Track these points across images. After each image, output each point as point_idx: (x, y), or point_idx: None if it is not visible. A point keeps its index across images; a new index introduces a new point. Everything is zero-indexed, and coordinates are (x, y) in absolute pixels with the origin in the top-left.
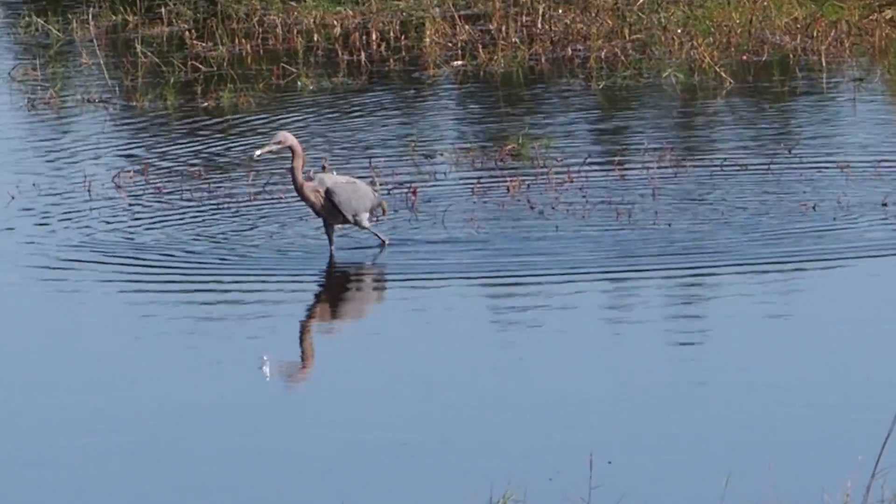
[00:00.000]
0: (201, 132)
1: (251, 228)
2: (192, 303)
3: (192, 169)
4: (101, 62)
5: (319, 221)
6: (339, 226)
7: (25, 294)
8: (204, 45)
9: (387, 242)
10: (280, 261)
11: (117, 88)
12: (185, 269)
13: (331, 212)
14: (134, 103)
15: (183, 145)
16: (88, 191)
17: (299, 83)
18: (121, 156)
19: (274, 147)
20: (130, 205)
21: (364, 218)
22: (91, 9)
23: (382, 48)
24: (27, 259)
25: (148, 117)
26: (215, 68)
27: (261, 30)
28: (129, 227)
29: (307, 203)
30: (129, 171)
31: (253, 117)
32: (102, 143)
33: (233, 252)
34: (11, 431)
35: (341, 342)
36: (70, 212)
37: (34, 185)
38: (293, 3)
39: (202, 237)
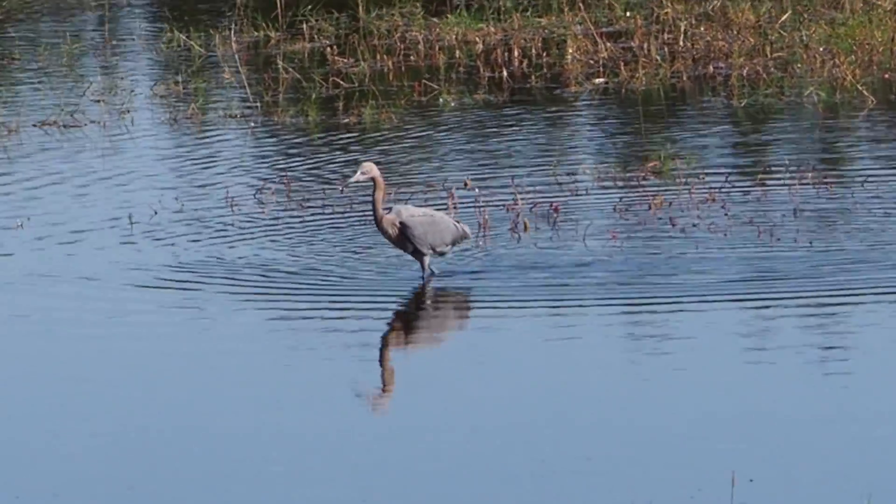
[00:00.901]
0: (343, 148)
1: (383, 247)
2: (334, 322)
3: (334, 184)
4: (243, 78)
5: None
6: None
7: (170, 310)
8: (345, 61)
9: (435, 274)
10: (418, 276)
11: (259, 104)
12: (326, 285)
13: (405, 244)
14: (275, 119)
15: (324, 161)
16: (231, 206)
17: (441, 100)
18: (263, 171)
19: (361, 177)
20: (272, 220)
21: (432, 253)
22: (233, 25)
23: (524, 65)
24: (171, 273)
25: (289, 133)
26: (357, 84)
27: (402, 46)
28: (272, 241)
29: (384, 235)
30: (271, 187)
31: (394, 133)
32: (244, 158)
33: (372, 267)
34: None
35: (481, 364)
36: (213, 227)
37: (176, 199)
38: (435, 20)
39: (344, 251)
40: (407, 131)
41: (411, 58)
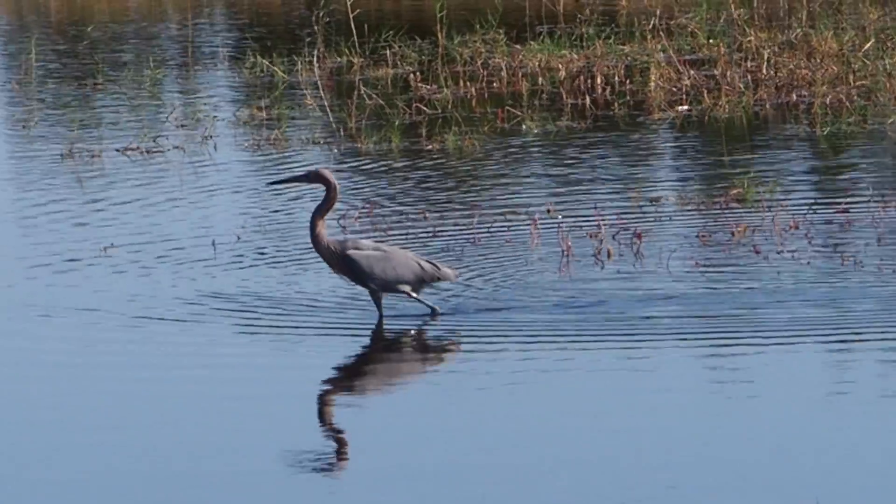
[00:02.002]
0: (426, 174)
1: (473, 272)
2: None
3: (417, 211)
4: (326, 104)
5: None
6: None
7: (254, 339)
8: (428, 87)
9: (439, 312)
10: (503, 302)
11: (341, 130)
12: (411, 313)
13: (353, 279)
14: (358, 145)
15: (407, 187)
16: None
17: (524, 126)
18: (345, 198)
19: (304, 183)
20: None
21: (403, 288)
22: (316, 51)
23: (607, 92)
24: (253, 301)
25: (372, 159)
26: (440, 111)
27: (485, 73)
28: None
29: (324, 259)
30: (354, 213)
31: (477, 160)
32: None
33: (451, 295)
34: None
35: (560, 399)
36: (296, 253)
37: (260, 225)
38: (518, 47)
39: None
40: (490, 158)
41: (494, 84)
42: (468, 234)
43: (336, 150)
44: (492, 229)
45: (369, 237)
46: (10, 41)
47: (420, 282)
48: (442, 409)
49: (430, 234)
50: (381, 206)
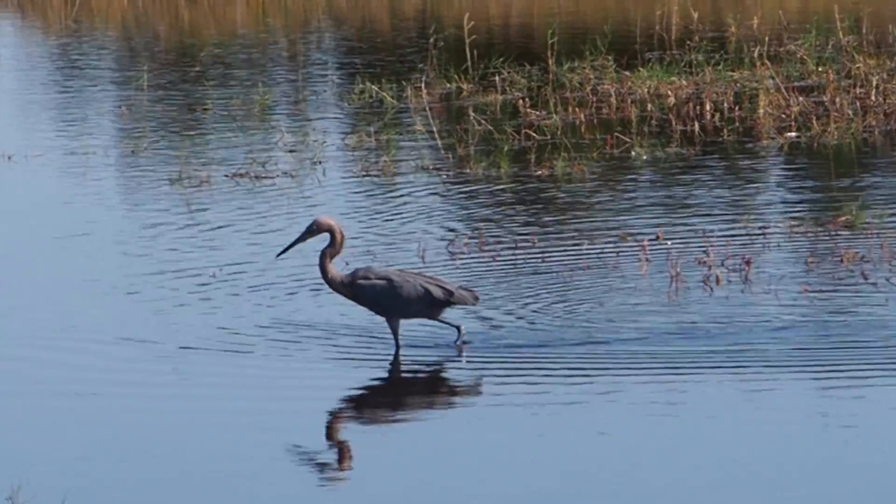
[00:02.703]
0: (534, 200)
1: (582, 299)
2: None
3: (526, 237)
4: (435, 129)
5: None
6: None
7: (360, 362)
8: (538, 113)
9: (399, 347)
10: (611, 330)
11: (450, 156)
12: (520, 343)
13: (366, 307)
14: (467, 171)
15: (516, 213)
16: (422, 258)
17: (633, 153)
18: (454, 223)
19: (308, 238)
20: (464, 273)
21: (398, 319)
22: (425, 76)
23: (716, 118)
24: (362, 324)
25: (481, 185)
26: (549, 137)
27: (595, 99)
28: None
29: (337, 293)
30: (462, 239)
31: (586, 186)
32: (436, 210)
33: (556, 321)
34: None
35: (673, 425)
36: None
37: (368, 251)
38: (627, 73)
39: (535, 307)
40: (598, 184)
41: (603, 110)
42: (577, 260)
43: (444, 176)
44: (601, 255)
45: (475, 260)
46: (120, 66)
47: (430, 308)
48: (551, 436)
49: (539, 261)
50: (490, 233)
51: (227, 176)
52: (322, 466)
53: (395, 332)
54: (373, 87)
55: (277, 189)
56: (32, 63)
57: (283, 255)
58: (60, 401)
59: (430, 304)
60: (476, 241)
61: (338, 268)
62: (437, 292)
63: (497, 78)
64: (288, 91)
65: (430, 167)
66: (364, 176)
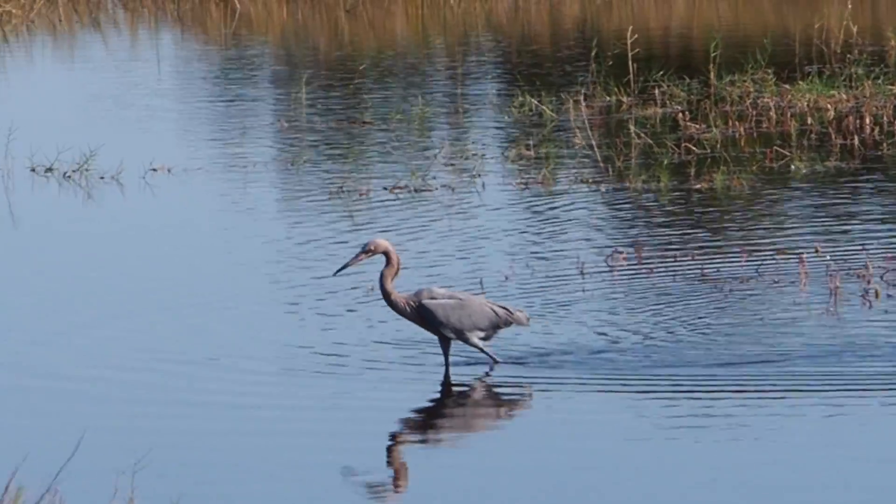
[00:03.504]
0: (693, 213)
1: (743, 313)
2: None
3: (684, 250)
4: (594, 143)
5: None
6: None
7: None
8: (697, 126)
9: (498, 362)
10: (769, 346)
11: (610, 169)
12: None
13: (428, 327)
14: (626, 184)
15: (675, 226)
16: (581, 271)
17: (792, 166)
18: (613, 237)
19: (364, 258)
20: (622, 287)
21: (472, 336)
22: (584, 90)
23: (876, 132)
24: (522, 337)
25: (640, 198)
26: (708, 150)
27: (754, 112)
28: (621, 308)
29: (399, 313)
30: (621, 253)
31: (745, 200)
32: (595, 223)
33: (717, 338)
34: None
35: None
36: (563, 292)
37: (528, 266)
38: (787, 87)
39: (691, 323)
40: (758, 197)
41: (763, 124)
42: (736, 273)
43: (604, 189)
44: (760, 269)
45: (630, 276)
46: (280, 78)
47: (494, 328)
48: (701, 457)
49: (698, 274)
50: (648, 246)
51: (386, 189)
52: (378, 487)
53: (447, 352)
54: (532, 99)
55: (437, 202)
56: (192, 76)
57: (340, 273)
58: (220, 414)
59: (493, 325)
60: (635, 254)
61: (400, 289)
62: (501, 312)
63: (657, 91)
64: (447, 104)
65: (590, 180)
66: (523, 189)
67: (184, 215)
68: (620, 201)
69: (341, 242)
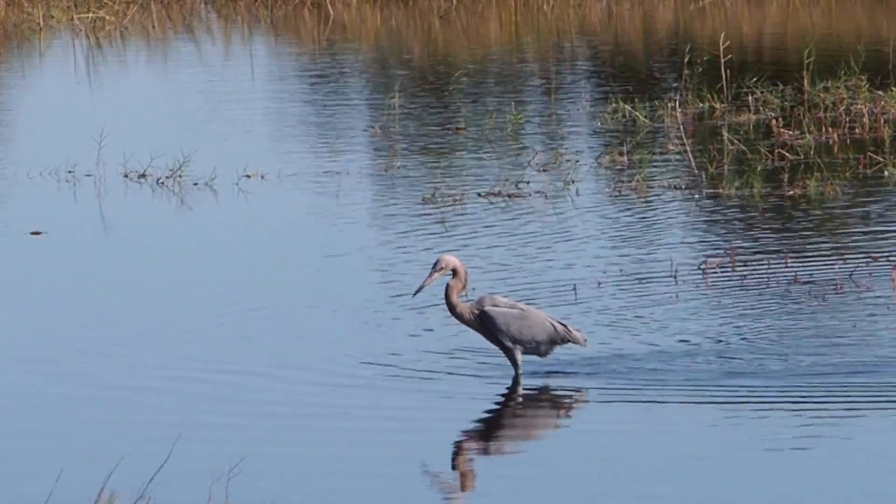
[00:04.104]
0: (787, 220)
1: (830, 321)
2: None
3: (778, 257)
4: (688, 149)
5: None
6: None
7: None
8: (791, 133)
9: (520, 383)
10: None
11: (703, 175)
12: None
13: (489, 336)
14: (720, 190)
15: (769, 233)
16: (674, 277)
17: (886, 172)
18: (706, 243)
19: (437, 276)
20: (716, 294)
21: (521, 349)
22: (677, 96)
23: None
24: (610, 342)
25: (734, 205)
26: (802, 156)
27: (848, 119)
28: (713, 314)
29: (463, 323)
30: (715, 259)
31: (838, 206)
32: (688, 230)
33: (812, 347)
34: None
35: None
36: (655, 298)
37: (621, 271)
38: (880, 93)
39: (781, 329)
40: (852, 204)
41: (856, 130)
42: (829, 279)
43: (697, 196)
44: (853, 275)
45: (718, 281)
46: (373, 84)
47: (552, 343)
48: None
49: (791, 280)
50: (742, 252)
51: (479, 195)
52: (446, 494)
53: (516, 361)
54: (626, 105)
55: (530, 208)
56: (285, 82)
57: (417, 294)
58: (312, 420)
59: (552, 340)
60: (728, 260)
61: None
62: (560, 328)
63: (750, 97)
64: (540, 110)
65: (683, 186)
66: (617, 195)
67: (277, 222)
68: (714, 207)
69: (433, 249)
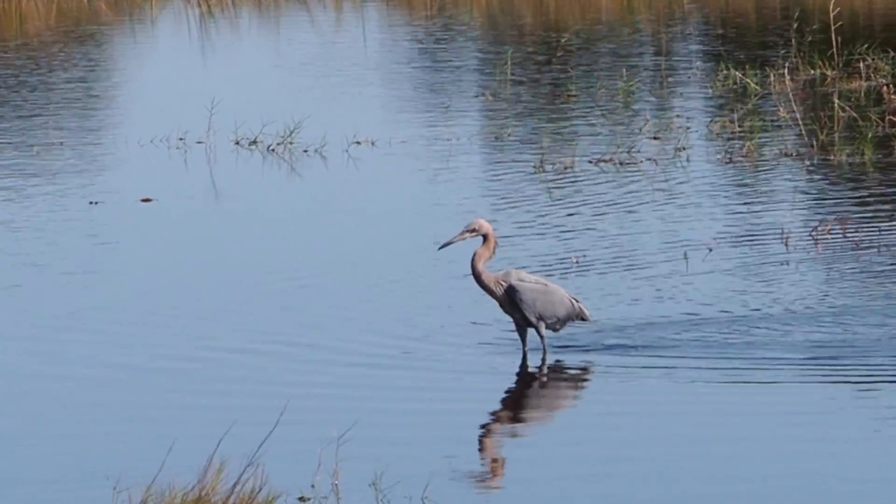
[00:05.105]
0: None
1: None
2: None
3: (890, 224)
4: (798, 116)
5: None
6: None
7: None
8: None
9: (547, 357)
10: None
11: (814, 142)
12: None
13: (512, 309)
14: (830, 157)
15: (880, 200)
16: (785, 243)
17: None
18: (817, 210)
19: (468, 236)
20: (826, 260)
21: (544, 325)
22: (788, 63)
23: None
24: (722, 313)
25: (844, 172)
26: None
27: None
28: (824, 282)
29: (487, 292)
30: (826, 226)
31: None
32: (799, 196)
33: None
34: None
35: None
36: (768, 263)
37: (731, 238)
38: None
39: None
40: None
41: None
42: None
43: (807, 163)
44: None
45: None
46: (484, 52)
47: (567, 318)
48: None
49: None
50: (854, 219)
51: (591, 162)
52: (475, 475)
53: (541, 335)
54: (736, 73)
55: (641, 174)
56: (397, 51)
57: (443, 248)
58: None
59: (569, 316)
60: (839, 227)
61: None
62: (577, 306)
63: (861, 64)
64: (651, 77)
65: (793, 153)
66: (727, 162)
67: (386, 189)
68: (825, 174)
69: (544, 216)
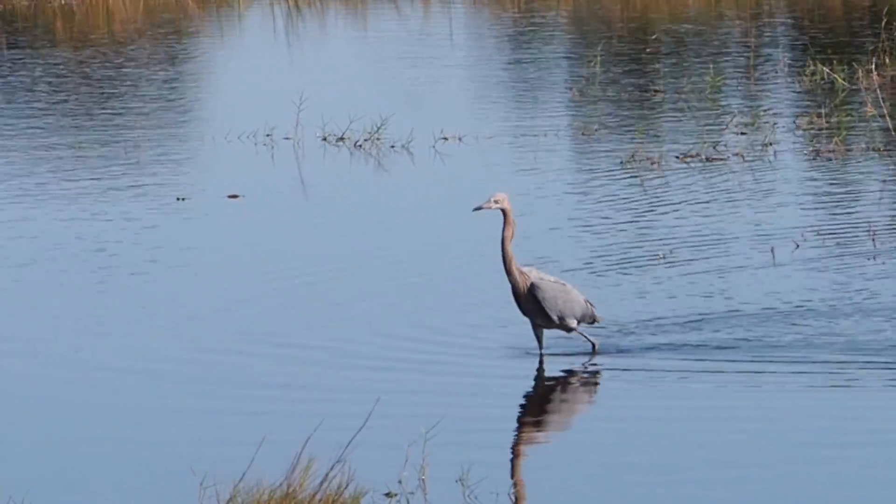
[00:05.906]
0: None
1: None
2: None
3: None
4: (885, 111)
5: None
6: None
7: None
8: None
9: (597, 345)
10: None
11: None
12: None
13: (533, 307)
14: None
15: None
16: (873, 240)
17: None
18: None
19: (493, 205)
20: None
21: (572, 323)
22: (876, 58)
23: None
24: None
25: None
26: None
27: None
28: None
29: (511, 281)
30: None
31: None
32: (886, 192)
33: None
34: None
35: None
36: (853, 260)
37: (819, 234)
38: None
39: None
40: None
41: None
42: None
43: (895, 158)
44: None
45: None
46: (572, 47)
47: (582, 319)
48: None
49: None
50: None
51: (677, 157)
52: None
53: (576, 331)
54: (824, 68)
55: (728, 170)
56: (484, 45)
57: (476, 211)
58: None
59: (583, 316)
60: None
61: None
62: (590, 307)
63: None
64: (739, 73)
65: (882, 148)
66: (815, 157)
67: (472, 185)
68: None
69: (632, 212)
